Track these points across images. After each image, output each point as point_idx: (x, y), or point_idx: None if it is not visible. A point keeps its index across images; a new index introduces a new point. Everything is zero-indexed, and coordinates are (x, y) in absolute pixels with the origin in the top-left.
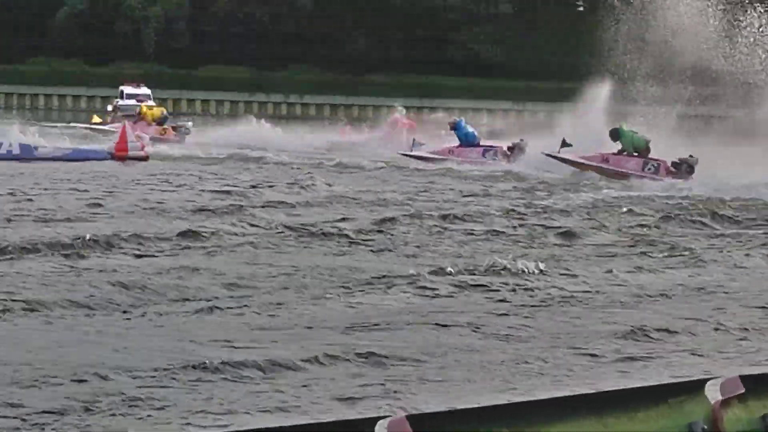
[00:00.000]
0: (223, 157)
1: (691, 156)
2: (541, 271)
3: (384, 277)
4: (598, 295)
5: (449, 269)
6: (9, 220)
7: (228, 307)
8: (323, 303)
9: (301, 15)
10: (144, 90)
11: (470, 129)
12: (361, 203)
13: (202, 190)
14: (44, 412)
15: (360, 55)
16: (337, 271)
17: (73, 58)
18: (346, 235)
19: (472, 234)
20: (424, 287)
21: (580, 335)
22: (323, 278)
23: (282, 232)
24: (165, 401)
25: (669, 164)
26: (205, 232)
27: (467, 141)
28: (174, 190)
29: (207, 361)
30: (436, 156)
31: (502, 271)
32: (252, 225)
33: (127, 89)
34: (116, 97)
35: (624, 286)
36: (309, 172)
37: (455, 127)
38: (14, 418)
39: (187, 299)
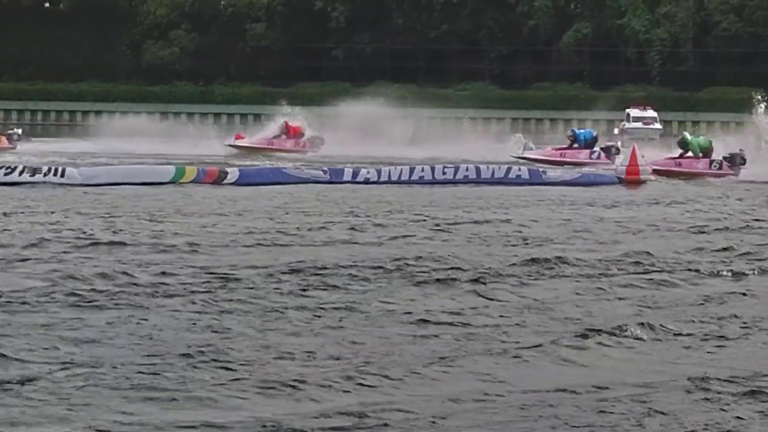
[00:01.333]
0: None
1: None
2: None
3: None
4: None
5: None
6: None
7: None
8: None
9: None
10: (650, 113)
11: (583, 131)
12: None
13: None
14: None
15: None
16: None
17: (578, 82)
18: None
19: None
20: None
21: None
22: None
23: None
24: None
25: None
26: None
27: (585, 142)
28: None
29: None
30: (547, 158)
31: None
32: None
33: (634, 112)
34: (622, 120)
35: None
36: None
37: (574, 138)
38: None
39: None
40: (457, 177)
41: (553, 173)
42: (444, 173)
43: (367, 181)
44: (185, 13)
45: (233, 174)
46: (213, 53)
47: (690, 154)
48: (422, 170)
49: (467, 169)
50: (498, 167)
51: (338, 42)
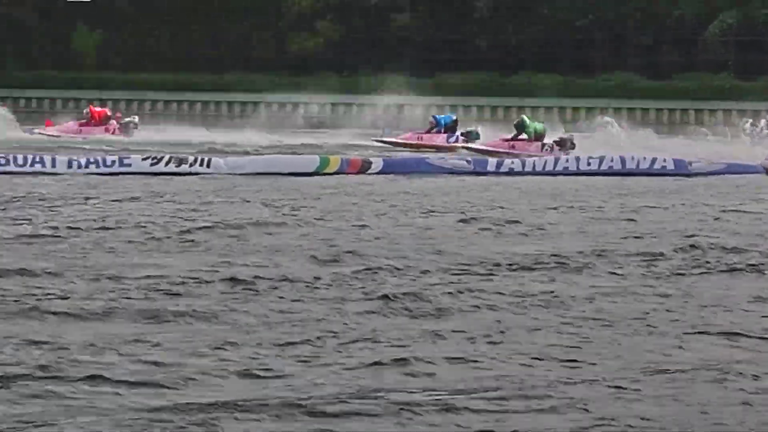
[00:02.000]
0: None
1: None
2: None
3: None
4: None
5: None
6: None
7: None
8: None
9: None
10: None
11: (444, 116)
12: None
13: None
14: None
15: None
16: None
17: (723, 72)
18: None
19: None
20: None
21: None
22: None
23: None
24: None
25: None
26: None
27: (445, 126)
28: None
29: None
30: (405, 141)
31: None
32: None
33: None
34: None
35: None
36: None
37: (436, 123)
38: None
39: None
40: (601, 168)
41: (698, 164)
42: (588, 164)
43: (511, 172)
44: (329, 4)
45: (377, 164)
46: (357, 44)
47: (524, 136)
48: (566, 161)
49: (612, 160)
50: (643, 158)
51: (482, 32)
